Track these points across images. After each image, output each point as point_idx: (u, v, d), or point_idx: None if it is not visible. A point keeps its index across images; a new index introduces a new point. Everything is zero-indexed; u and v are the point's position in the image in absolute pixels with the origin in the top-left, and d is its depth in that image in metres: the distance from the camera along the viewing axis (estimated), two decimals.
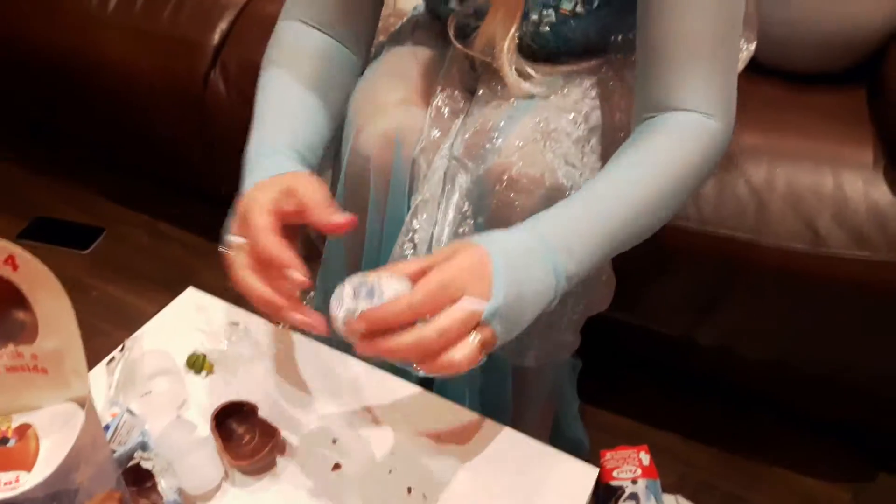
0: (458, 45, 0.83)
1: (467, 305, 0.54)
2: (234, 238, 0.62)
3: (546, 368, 0.96)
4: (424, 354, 0.53)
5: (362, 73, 0.87)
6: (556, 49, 0.84)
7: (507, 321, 0.57)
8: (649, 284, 1.06)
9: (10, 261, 0.48)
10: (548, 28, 0.80)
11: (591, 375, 1.16)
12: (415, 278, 0.55)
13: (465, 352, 0.54)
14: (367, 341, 0.54)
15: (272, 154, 0.70)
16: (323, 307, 0.95)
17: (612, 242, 0.65)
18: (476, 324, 0.54)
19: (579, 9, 0.78)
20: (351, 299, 0.54)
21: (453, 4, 0.83)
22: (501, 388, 0.94)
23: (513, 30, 0.77)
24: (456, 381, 0.91)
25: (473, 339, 0.54)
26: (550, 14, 0.78)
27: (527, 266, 0.58)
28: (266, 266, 0.60)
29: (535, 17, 0.79)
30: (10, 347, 0.50)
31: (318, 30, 0.81)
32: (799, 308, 1.00)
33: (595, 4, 0.77)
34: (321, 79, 0.79)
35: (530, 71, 0.82)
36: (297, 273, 0.57)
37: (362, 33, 0.85)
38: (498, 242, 0.58)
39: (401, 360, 0.54)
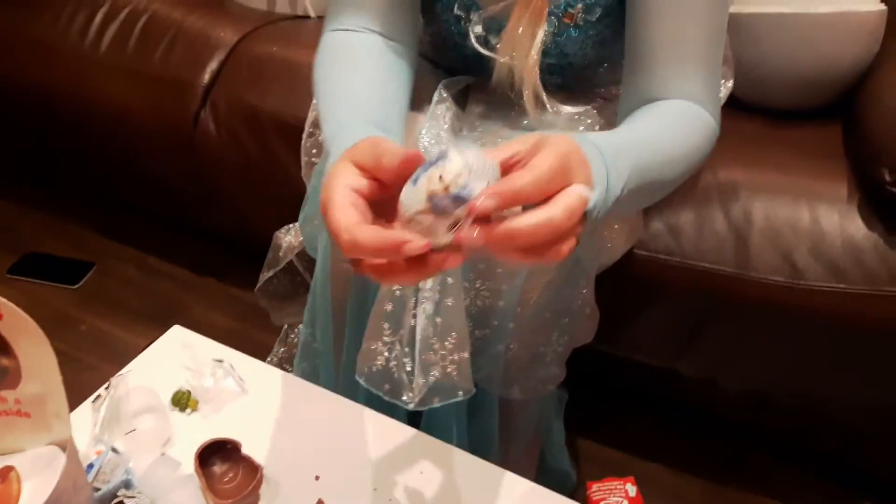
0: (484, 51, 0.80)
1: (583, 191, 0.49)
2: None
3: (532, 401, 0.96)
4: (552, 239, 0.48)
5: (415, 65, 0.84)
6: (555, 67, 0.85)
7: (599, 212, 0.55)
8: (633, 317, 1.08)
9: None
10: (548, 38, 0.81)
11: (579, 406, 1.16)
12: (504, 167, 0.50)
13: (571, 243, 0.49)
14: (485, 227, 0.47)
15: (350, 126, 0.66)
16: (310, 341, 0.96)
17: (640, 182, 0.63)
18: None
19: (580, 19, 0.79)
20: (465, 174, 0.44)
21: (460, 12, 0.82)
22: (488, 422, 0.95)
23: (540, 32, 0.76)
24: (443, 416, 0.92)
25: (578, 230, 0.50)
26: (553, 22, 0.80)
27: (603, 168, 0.57)
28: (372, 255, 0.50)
29: None
30: None
31: (365, 32, 0.80)
32: (778, 340, 1.01)
33: (597, 15, 0.79)
34: (380, 69, 0.77)
35: (549, 100, 0.82)
36: (414, 242, 0.47)
37: (408, 27, 0.83)
38: (585, 140, 0.56)
39: (516, 249, 0.48)
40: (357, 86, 0.72)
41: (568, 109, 0.85)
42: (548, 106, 0.82)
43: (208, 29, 1.34)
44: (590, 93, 0.92)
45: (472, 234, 0.46)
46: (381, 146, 0.52)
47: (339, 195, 0.51)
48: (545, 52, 0.82)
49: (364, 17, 0.80)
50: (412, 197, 0.46)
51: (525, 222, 0.47)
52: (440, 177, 0.45)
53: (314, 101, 1.03)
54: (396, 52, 0.81)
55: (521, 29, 0.76)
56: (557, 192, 0.49)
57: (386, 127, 0.68)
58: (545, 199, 0.48)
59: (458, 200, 0.45)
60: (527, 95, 0.79)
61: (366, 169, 0.52)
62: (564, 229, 0.48)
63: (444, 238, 0.46)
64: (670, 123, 0.72)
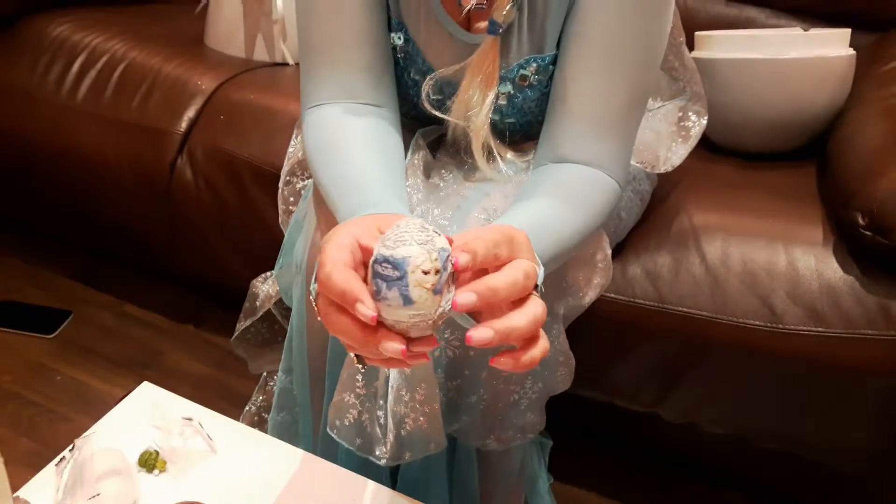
0: (437, 113, 0.82)
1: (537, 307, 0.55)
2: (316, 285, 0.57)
3: (512, 451, 0.95)
4: (535, 332, 0.54)
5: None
6: (516, 123, 0.86)
7: None
8: (612, 362, 1.07)
9: None
10: (504, 102, 0.82)
11: (561, 451, 1.15)
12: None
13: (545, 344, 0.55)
14: (480, 323, 0.52)
15: (374, 205, 0.67)
16: (289, 388, 0.95)
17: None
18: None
19: (534, 80, 0.80)
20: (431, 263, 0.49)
21: (416, 77, 0.84)
22: (467, 474, 0.94)
23: (491, 95, 0.78)
24: (421, 469, 0.90)
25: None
26: (507, 86, 0.81)
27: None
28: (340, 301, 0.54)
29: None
30: None
31: (345, 102, 0.80)
32: (757, 384, 1.01)
33: (550, 74, 0.80)
34: (375, 139, 0.78)
35: (498, 151, 0.84)
36: (365, 307, 0.51)
37: (387, 90, 0.84)
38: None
39: (513, 340, 0.53)
40: (363, 166, 0.73)
41: (521, 160, 0.86)
42: (499, 161, 0.83)
43: (186, 76, 1.34)
44: None
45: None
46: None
47: (343, 237, 0.55)
48: (504, 113, 0.84)
49: (342, 87, 0.80)
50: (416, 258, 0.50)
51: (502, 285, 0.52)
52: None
53: (290, 150, 1.03)
54: (382, 118, 0.81)
55: (471, 93, 0.78)
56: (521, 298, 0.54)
57: (397, 194, 0.71)
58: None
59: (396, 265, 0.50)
60: (477, 154, 0.81)
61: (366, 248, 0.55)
62: (529, 331, 0.53)
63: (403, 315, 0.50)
64: (568, 201, 0.74)
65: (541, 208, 0.71)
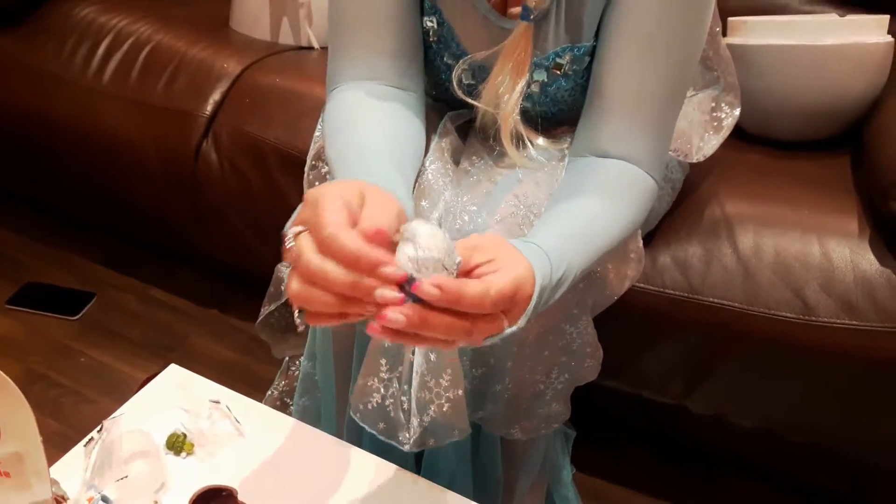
0: (467, 98, 0.82)
1: (505, 328, 0.57)
2: (298, 228, 0.55)
3: (537, 440, 0.94)
4: (453, 339, 0.54)
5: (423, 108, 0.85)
6: (548, 111, 0.85)
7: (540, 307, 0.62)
8: (641, 353, 1.06)
9: None
10: (538, 90, 0.81)
11: (585, 443, 1.14)
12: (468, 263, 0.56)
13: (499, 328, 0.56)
14: (421, 309, 0.52)
15: (372, 175, 0.66)
16: (311, 373, 0.95)
17: (585, 263, 0.69)
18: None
19: (568, 69, 0.79)
20: (439, 251, 0.52)
21: (450, 61, 0.83)
22: (492, 462, 0.93)
23: (521, 82, 0.77)
24: (446, 456, 0.90)
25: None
26: (542, 74, 0.80)
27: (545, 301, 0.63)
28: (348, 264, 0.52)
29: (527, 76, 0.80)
30: None
31: (370, 82, 0.80)
32: (788, 376, 0.99)
33: (585, 64, 0.79)
34: (392, 122, 0.77)
35: (528, 137, 0.83)
36: (392, 268, 0.51)
37: (415, 74, 0.83)
38: (542, 274, 0.61)
39: (429, 336, 0.54)
40: (369, 141, 0.73)
41: (554, 147, 0.85)
42: (530, 147, 0.82)
43: (211, 60, 1.34)
44: None
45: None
46: (369, 205, 0.55)
47: (333, 194, 0.53)
48: (537, 101, 0.83)
49: (369, 70, 0.79)
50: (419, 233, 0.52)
51: (440, 317, 0.52)
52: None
53: (316, 133, 1.03)
54: (403, 102, 0.80)
55: (501, 79, 0.77)
56: (487, 315, 0.54)
57: (401, 171, 0.70)
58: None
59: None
60: (505, 141, 0.80)
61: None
62: (467, 336, 0.54)
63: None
64: (610, 200, 0.74)
65: (577, 213, 0.71)
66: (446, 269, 0.53)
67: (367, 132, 0.74)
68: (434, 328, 0.52)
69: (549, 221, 0.71)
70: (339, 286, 0.51)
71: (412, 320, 0.51)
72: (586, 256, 0.69)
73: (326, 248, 0.51)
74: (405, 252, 0.52)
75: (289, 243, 0.54)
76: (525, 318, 0.59)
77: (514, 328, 0.58)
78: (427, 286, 0.51)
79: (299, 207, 0.58)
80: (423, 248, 0.51)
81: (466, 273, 0.56)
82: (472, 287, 0.52)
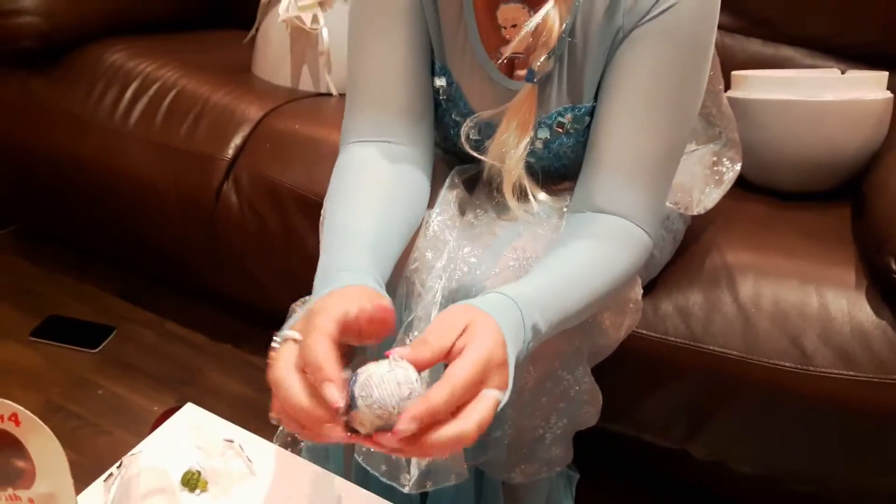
0: (475, 153, 0.85)
1: (496, 396, 0.57)
2: (290, 332, 0.60)
3: (539, 483, 0.96)
4: (460, 446, 0.55)
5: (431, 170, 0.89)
6: (551, 165, 0.88)
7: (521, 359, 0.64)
8: (642, 398, 1.08)
9: (14, 418, 0.54)
10: (541, 146, 0.85)
11: (589, 485, 1.15)
12: (433, 356, 0.57)
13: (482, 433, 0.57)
14: (409, 443, 0.54)
15: (350, 270, 0.70)
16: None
17: (565, 315, 0.71)
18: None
19: (570, 128, 0.83)
20: (394, 397, 0.54)
21: (458, 118, 0.87)
22: None
23: (526, 139, 0.81)
24: (449, 500, 0.92)
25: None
26: (545, 132, 0.84)
27: (522, 350, 0.64)
28: (309, 371, 0.57)
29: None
30: (9, 491, 0.54)
31: (380, 142, 0.83)
32: (787, 425, 1.01)
33: (586, 123, 0.83)
34: (388, 196, 0.79)
35: (531, 191, 0.86)
36: (334, 391, 0.54)
37: (424, 132, 0.86)
38: (510, 326, 0.62)
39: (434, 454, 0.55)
40: (365, 224, 0.75)
41: (555, 203, 0.88)
42: (532, 201, 0.86)
43: (234, 105, 1.39)
44: None
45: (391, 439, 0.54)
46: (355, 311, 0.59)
47: (322, 333, 0.57)
48: (540, 156, 0.86)
49: (379, 128, 0.83)
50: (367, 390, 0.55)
51: (439, 437, 0.54)
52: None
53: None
54: (410, 160, 0.84)
55: (507, 136, 0.81)
56: (472, 398, 0.56)
57: (378, 279, 0.71)
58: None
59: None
60: (507, 194, 0.84)
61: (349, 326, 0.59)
62: (473, 438, 0.55)
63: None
64: (598, 243, 0.77)
65: (562, 259, 0.74)
66: (400, 404, 0.54)
67: (361, 208, 0.76)
68: (435, 450, 0.55)
69: (533, 271, 0.73)
70: (296, 411, 0.56)
71: (412, 453, 0.55)
72: (572, 298, 0.71)
73: (303, 352, 0.57)
74: (361, 410, 0.54)
75: (275, 344, 0.60)
76: (511, 378, 0.60)
77: (508, 391, 0.59)
78: (405, 425, 0.53)
79: (304, 308, 0.63)
80: (376, 400, 0.54)
81: (446, 355, 0.58)
82: (437, 395, 0.54)
